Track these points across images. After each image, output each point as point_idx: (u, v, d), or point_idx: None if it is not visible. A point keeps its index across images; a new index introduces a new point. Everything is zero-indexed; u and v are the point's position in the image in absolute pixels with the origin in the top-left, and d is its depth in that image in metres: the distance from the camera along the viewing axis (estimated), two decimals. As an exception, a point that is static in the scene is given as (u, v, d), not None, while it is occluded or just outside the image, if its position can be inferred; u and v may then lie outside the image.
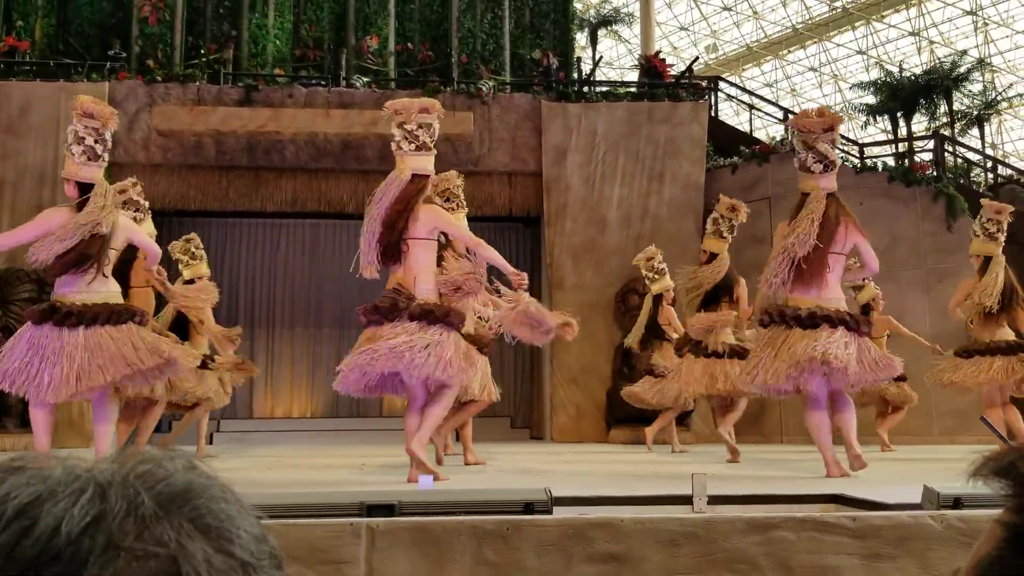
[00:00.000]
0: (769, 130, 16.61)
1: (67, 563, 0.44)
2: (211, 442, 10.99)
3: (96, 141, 4.78)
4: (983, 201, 7.16)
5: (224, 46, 11.40)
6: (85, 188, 4.70)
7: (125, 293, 5.53)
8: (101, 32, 11.57)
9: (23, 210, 9.17)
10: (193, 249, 7.40)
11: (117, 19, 11.66)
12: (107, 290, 4.72)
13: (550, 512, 2.77)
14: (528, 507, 2.74)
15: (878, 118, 15.16)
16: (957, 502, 2.85)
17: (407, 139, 4.96)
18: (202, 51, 11.40)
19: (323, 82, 10.98)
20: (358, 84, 10.91)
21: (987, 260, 6.63)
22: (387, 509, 2.67)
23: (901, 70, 17.44)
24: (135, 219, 6.42)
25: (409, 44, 12.23)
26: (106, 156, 4.88)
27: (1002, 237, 6.67)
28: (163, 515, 0.48)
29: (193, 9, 11.73)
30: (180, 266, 7.43)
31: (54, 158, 9.94)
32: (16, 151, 10.04)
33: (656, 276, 8.19)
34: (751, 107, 13.25)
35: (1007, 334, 6.56)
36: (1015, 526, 0.60)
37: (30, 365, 4.46)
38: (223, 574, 0.47)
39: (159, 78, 10.52)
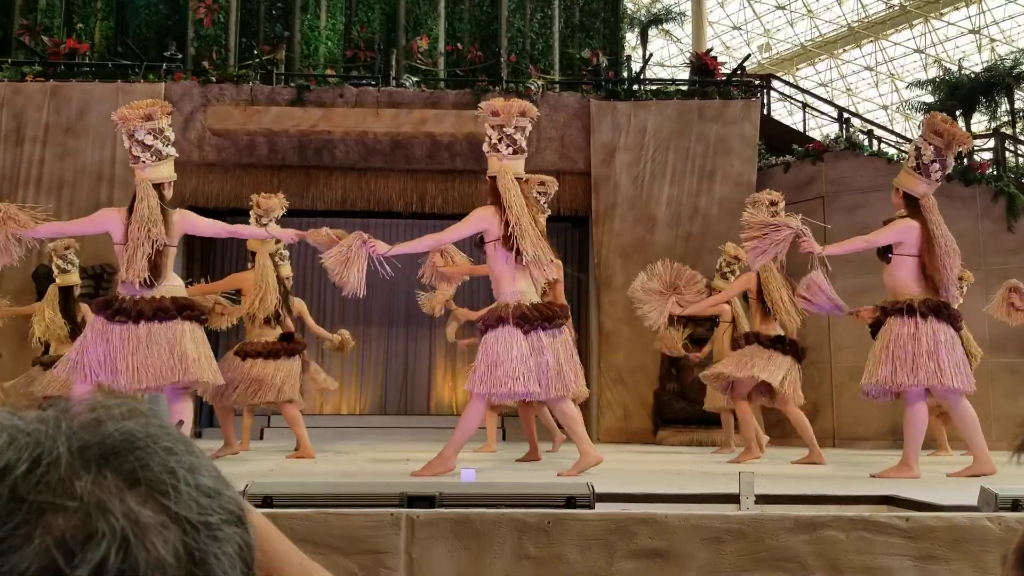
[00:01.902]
0: (823, 130, 16.32)
1: None
2: (261, 437, 11.13)
3: (158, 140, 4.82)
4: None
5: (277, 47, 11.55)
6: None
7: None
8: (158, 34, 11.82)
9: (81, 209, 9.36)
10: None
11: (173, 21, 11.90)
12: (171, 285, 4.78)
13: (592, 507, 2.73)
14: (570, 501, 2.71)
15: (936, 117, 14.79)
16: (1016, 504, 2.75)
17: (505, 142, 4.84)
18: (255, 52, 11.57)
19: (373, 82, 11.07)
20: (408, 84, 10.97)
21: None
22: (428, 500, 2.66)
23: (960, 68, 17.03)
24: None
25: (459, 44, 12.27)
26: (171, 149, 4.90)
27: None
28: (83, 467, 0.44)
29: (247, 11, 11.91)
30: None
31: (111, 158, 10.17)
32: (75, 151, 10.28)
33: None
34: (805, 106, 13.03)
35: None
36: None
37: (107, 357, 4.57)
38: (150, 529, 0.44)
39: (213, 79, 10.70)
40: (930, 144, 5.12)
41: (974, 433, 4.89)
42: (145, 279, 4.58)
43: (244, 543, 0.49)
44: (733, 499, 3.16)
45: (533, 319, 4.59)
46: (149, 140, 4.77)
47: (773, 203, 6.79)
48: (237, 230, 5.38)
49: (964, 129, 13.26)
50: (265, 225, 6.30)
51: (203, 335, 4.82)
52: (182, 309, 4.72)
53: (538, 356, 4.56)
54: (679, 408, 9.67)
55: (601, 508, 2.77)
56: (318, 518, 2.49)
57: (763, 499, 3.18)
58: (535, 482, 3.35)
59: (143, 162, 4.77)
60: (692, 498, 3.26)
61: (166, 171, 4.84)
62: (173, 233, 4.77)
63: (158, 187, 4.77)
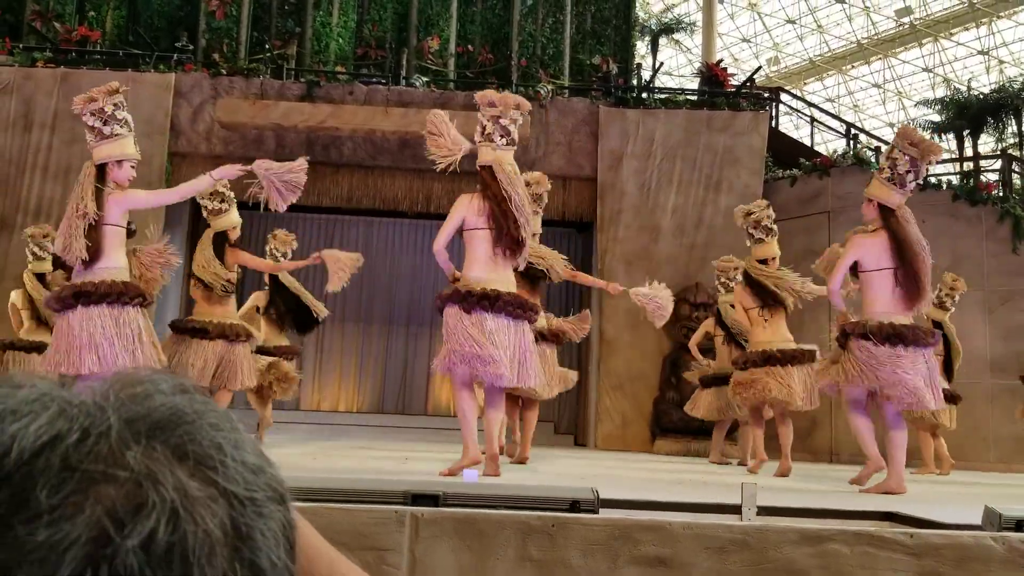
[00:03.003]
0: (830, 145, 16.33)
1: (18, 483, 0.42)
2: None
3: (99, 120, 4.85)
4: None
5: (288, 42, 11.56)
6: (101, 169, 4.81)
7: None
8: (169, 24, 11.83)
9: (87, 195, 9.36)
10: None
11: (185, 12, 11.90)
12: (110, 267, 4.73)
13: (596, 512, 2.72)
14: (574, 505, 2.70)
15: (943, 136, 14.80)
16: (1020, 524, 2.74)
17: (500, 133, 4.87)
18: (267, 46, 11.58)
19: (383, 80, 11.07)
20: (418, 84, 10.98)
21: None
22: (432, 499, 2.65)
23: (969, 88, 17.04)
24: (219, 210, 6.59)
25: (470, 46, 12.28)
26: (116, 128, 4.90)
27: None
28: (133, 439, 0.45)
29: (259, 5, 11.92)
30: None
31: (119, 146, 10.17)
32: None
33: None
34: (812, 120, 13.04)
35: None
36: None
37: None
38: (199, 502, 0.44)
39: (224, 71, 10.70)
40: (905, 155, 5.11)
41: (896, 450, 4.90)
42: (83, 259, 4.59)
43: (287, 521, 0.49)
44: (735, 510, 3.15)
45: (476, 298, 4.63)
46: (91, 121, 4.85)
47: (749, 213, 6.86)
48: (182, 189, 5.28)
49: (972, 149, 13.30)
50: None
51: (134, 319, 4.70)
52: (106, 294, 4.63)
53: (493, 338, 4.59)
54: (678, 418, 9.65)
55: (605, 513, 2.77)
56: (323, 513, 2.48)
57: (765, 511, 3.17)
58: (539, 484, 3.35)
59: (89, 143, 4.87)
60: (695, 507, 3.25)
61: (110, 150, 4.82)
62: (111, 211, 4.71)
63: (102, 167, 4.77)
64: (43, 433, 0.44)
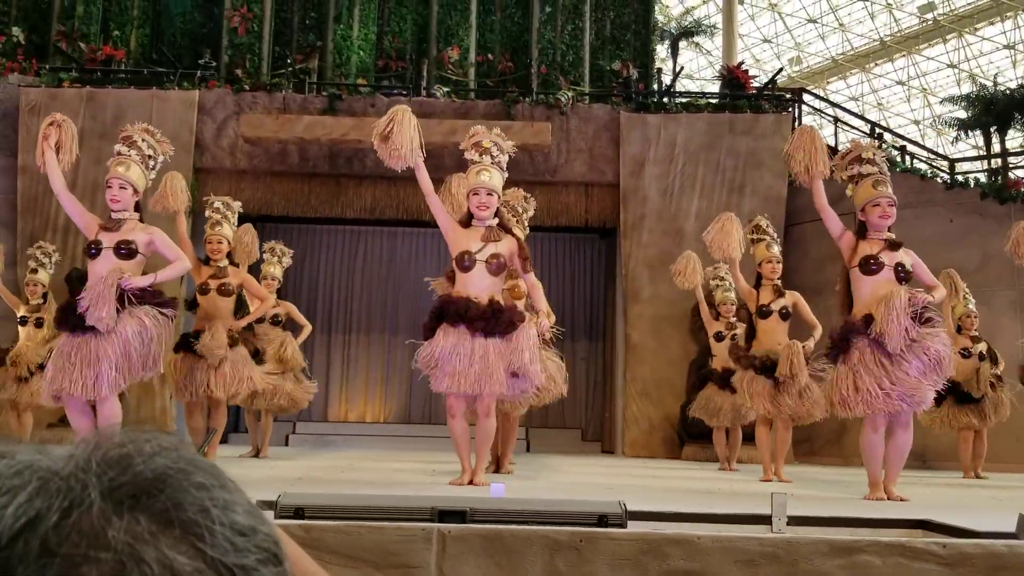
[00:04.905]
0: (854, 144, 16.18)
1: None
2: (287, 443, 11.19)
3: None
4: None
5: (309, 56, 11.64)
6: None
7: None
8: (192, 42, 11.95)
9: (114, 213, 9.48)
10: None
11: (208, 30, 12.03)
12: None
13: (624, 526, 2.71)
14: (602, 519, 2.69)
15: (970, 133, 14.64)
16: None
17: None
18: (288, 61, 11.67)
19: (404, 92, 11.12)
20: (439, 94, 11.01)
21: None
22: (459, 515, 2.65)
23: (995, 84, 16.84)
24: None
25: (489, 55, 12.31)
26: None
27: None
28: (115, 512, 0.43)
29: (280, 20, 12.03)
30: None
31: (145, 163, 10.29)
32: (110, 156, 10.37)
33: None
34: (836, 120, 12.94)
35: None
36: None
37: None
38: None
39: (247, 87, 10.80)
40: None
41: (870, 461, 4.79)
42: None
43: None
44: (765, 520, 3.13)
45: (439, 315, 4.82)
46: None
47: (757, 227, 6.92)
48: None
49: (1000, 146, 13.13)
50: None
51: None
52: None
53: (458, 350, 4.68)
54: (705, 423, 9.57)
55: (633, 527, 2.75)
56: (351, 531, 2.49)
57: (795, 521, 3.14)
58: (566, 499, 3.34)
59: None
60: (724, 518, 3.23)
61: None
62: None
63: None
64: (22, 515, 0.42)
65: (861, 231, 4.87)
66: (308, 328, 7.94)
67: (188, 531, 0.44)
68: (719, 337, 7.88)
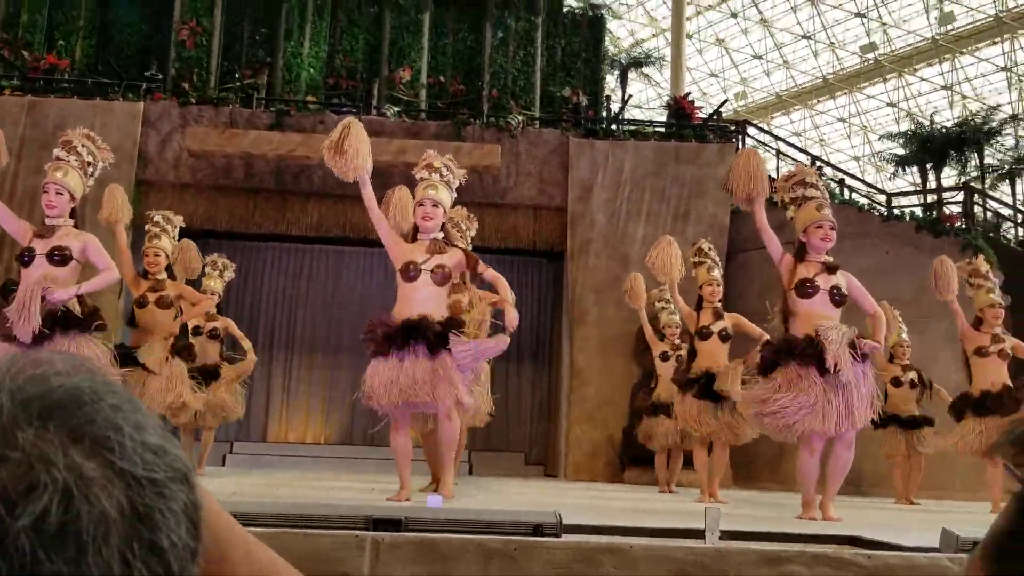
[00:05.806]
0: (796, 177, 16.55)
1: None
2: (224, 463, 10.98)
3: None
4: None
5: (259, 72, 11.57)
6: None
7: None
8: (140, 54, 11.81)
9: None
10: None
11: (156, 42, 11.90)
12: None
13: (559, 536, 2.72)
14: (537, 529, 2.70)
15: (907, 169, 15.09)
16: (976, 546, 2.77)
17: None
18: (236, 76, 11.57)
19: (354, 110, 11.10)
20: (389, 114, 11.02)
21: None
22: (393, 524, 2.64)
23: (932, 123, 17.40)
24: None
25: (441, 77, 12.36)
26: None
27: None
28: (26, 420, 0.44)
29: (230, 35, 11.93)
30: None
31: (86, 174, 10.10)
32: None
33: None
34: (779, 153, 13.24)
35: None
36: None
37: None
38: (94, 483, 0.43)
39: (193, 100, 10.69)
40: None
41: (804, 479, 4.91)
42: None
43: (190, 501, 0.48)
44: (699, 534, 3.16)
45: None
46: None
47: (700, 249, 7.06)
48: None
49: (935, 182, 13.55)
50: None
51: None
52: None
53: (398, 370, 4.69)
54: (646, 447, 9.64)
55: (567, 538, 2.76)
56: (284, 538, 2.46)
57: (728, 535, 3.18)
58: (501, 509, 3.34)
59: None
60: (658, 532, 3.25)
61: None
62: None
63: None
64: None
65: (800, 253, 4.98)
66: (252, 360, 7.81)
67: (99, 443, 0.45)
68: (664, 357, 7.98)
